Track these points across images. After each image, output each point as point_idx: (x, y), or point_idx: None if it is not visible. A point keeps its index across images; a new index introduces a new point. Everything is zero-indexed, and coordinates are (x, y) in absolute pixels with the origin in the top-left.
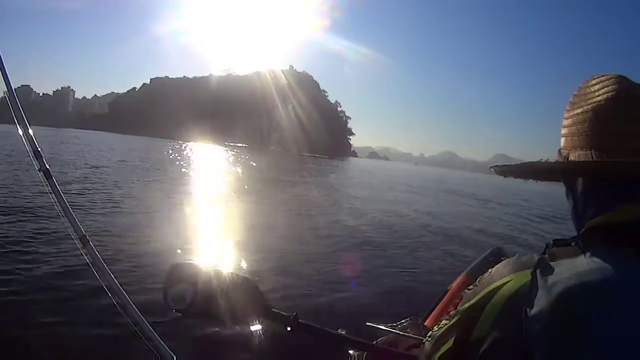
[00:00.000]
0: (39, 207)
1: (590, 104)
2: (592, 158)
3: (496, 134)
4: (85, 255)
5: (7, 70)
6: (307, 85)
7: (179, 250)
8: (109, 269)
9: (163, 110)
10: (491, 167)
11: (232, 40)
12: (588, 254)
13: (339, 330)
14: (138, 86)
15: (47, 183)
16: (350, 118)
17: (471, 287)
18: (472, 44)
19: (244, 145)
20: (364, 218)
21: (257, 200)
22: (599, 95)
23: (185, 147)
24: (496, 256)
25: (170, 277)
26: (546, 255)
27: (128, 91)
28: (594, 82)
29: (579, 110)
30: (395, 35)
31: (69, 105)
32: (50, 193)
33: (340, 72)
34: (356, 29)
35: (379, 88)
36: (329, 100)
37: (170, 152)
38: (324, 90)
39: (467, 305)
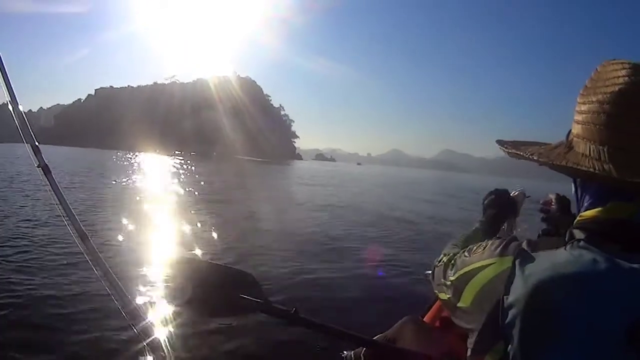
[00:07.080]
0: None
1: (605, 93)
2: (601, 154)
3: (442, 130)
4: (85, 251)
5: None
6: (250, 90)
7: (176, 247)
8: (108, 265)
9: (110, 121)
10: (496, 139)
11: (176, 48)
12: (569, 246)
13: (338, 326)
14: (83, 97)
15: (46, 179)
16: (294, 121)
17: (467, 254)
18: (412, 40)
19: (193, 152)
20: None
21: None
22: (615, 85)
23: (134, 158)
24: None
25: (170, 272)
26: (529, 245)
27: (74, 102)
28: (610, 68)
29: (593, 99)
30: (338, 38)
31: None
32: (49, 189)
33: (286, 77)
34: (300, 36)
35: (325, 91)
36: (272, 104)
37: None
38: (267, 95)
39: (457, 274)
